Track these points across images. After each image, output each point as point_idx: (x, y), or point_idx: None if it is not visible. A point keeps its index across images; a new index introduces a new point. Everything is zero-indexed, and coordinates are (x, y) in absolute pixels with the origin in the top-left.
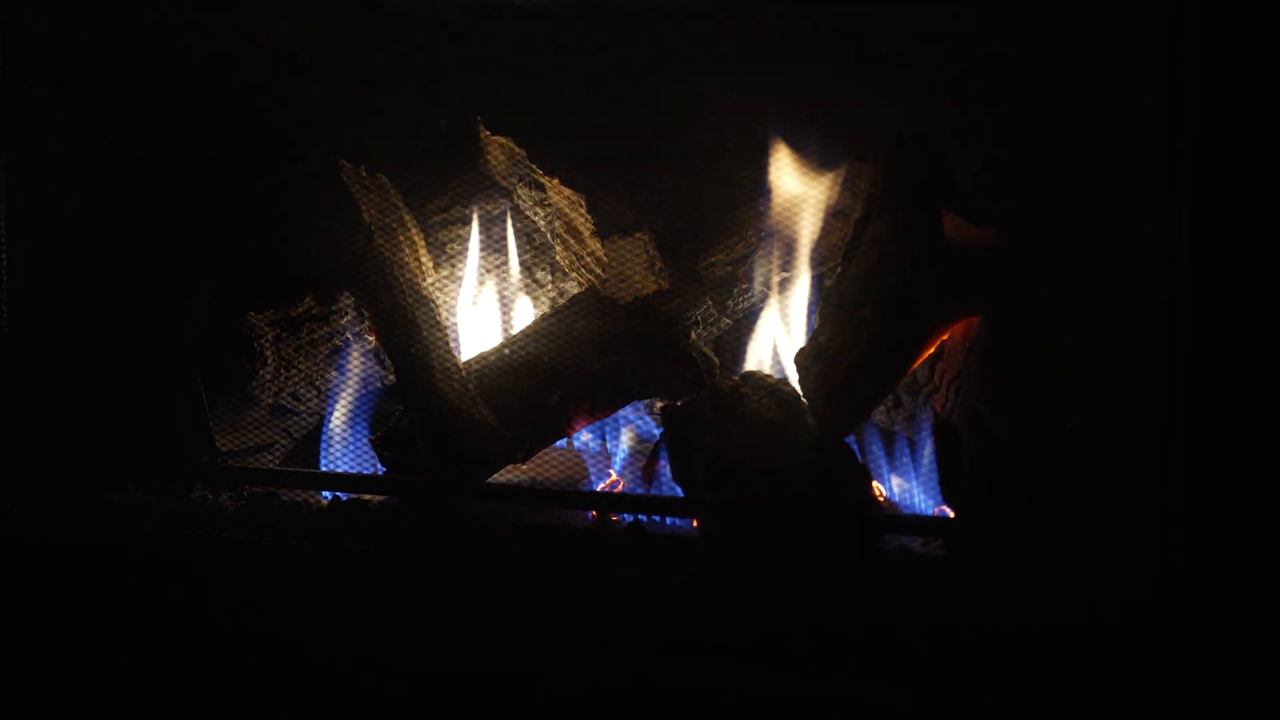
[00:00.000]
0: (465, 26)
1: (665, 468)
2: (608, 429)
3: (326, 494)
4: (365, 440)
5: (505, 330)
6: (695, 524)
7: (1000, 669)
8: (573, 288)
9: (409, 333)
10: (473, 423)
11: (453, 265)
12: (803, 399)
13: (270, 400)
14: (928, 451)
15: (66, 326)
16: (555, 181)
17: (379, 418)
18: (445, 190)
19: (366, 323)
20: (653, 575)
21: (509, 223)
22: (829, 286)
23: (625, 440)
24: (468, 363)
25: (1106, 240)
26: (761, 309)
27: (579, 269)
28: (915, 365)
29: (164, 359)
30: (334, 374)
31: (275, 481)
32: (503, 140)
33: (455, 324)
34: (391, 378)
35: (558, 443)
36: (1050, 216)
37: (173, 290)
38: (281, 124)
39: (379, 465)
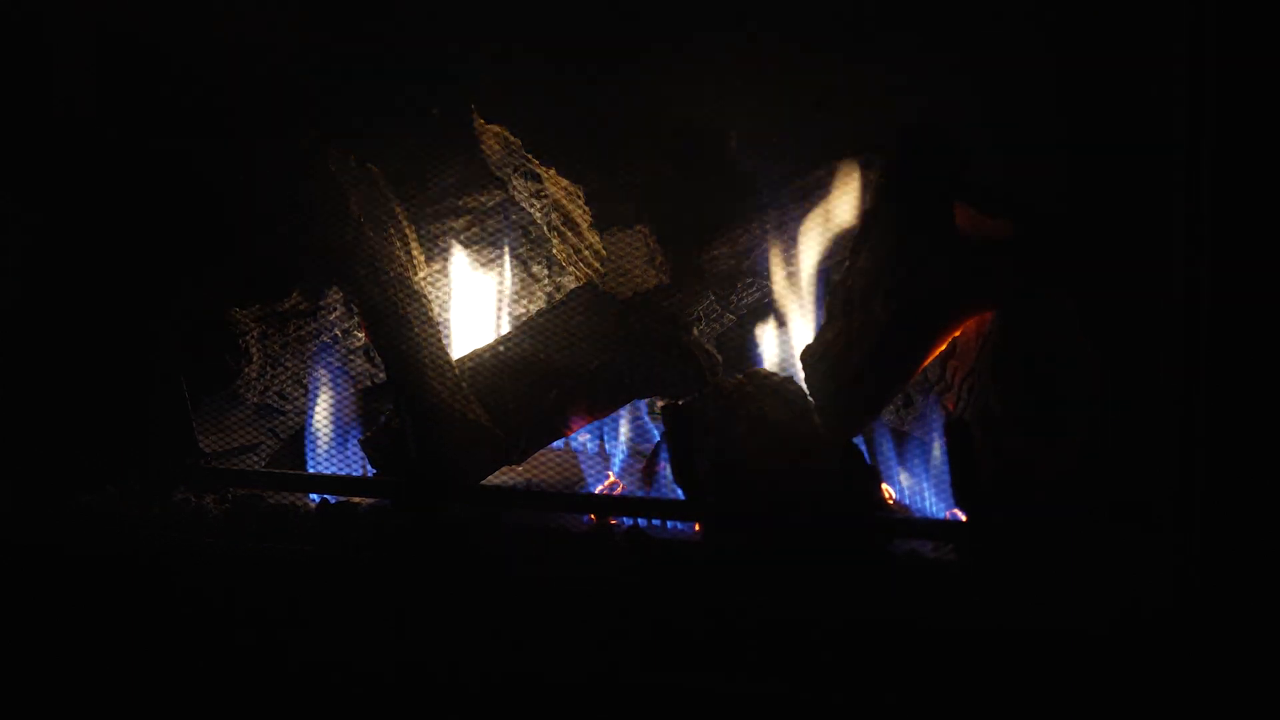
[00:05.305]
0: (460, 10)
1: (666, 469)
2: (606, 429)
3: (314, 496)
4: (354, 441)
5: (500, 326)
6: (697, 528)
7: (1013, 676)
8: (570, 282)
9: (400, 329)
10: (466, 422)
11: (445, 259)
12: (809, 398)
13: (256, 399)
14: (939, 452)
15: (44, 323)
16: (552, 172)
17: (369, 417)
18: (437, 181)
19: (356, 319)
20: (652, 581)
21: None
22: (836, 281)
23: (624, 441)
24: (461, 360)
25: (1126, 234)
26: (766, 304)
27: (576, 263)
28: (926, 362)
29: (145, 356)
30: (322, 372)
31: (261, 483)
32: (498, 129)
33: (448, 320)
34: (382, 376)
35: (554, 443)
36: (1068, 209)
37: (153, 285)
38: (267, 112)
39: (369, 467)
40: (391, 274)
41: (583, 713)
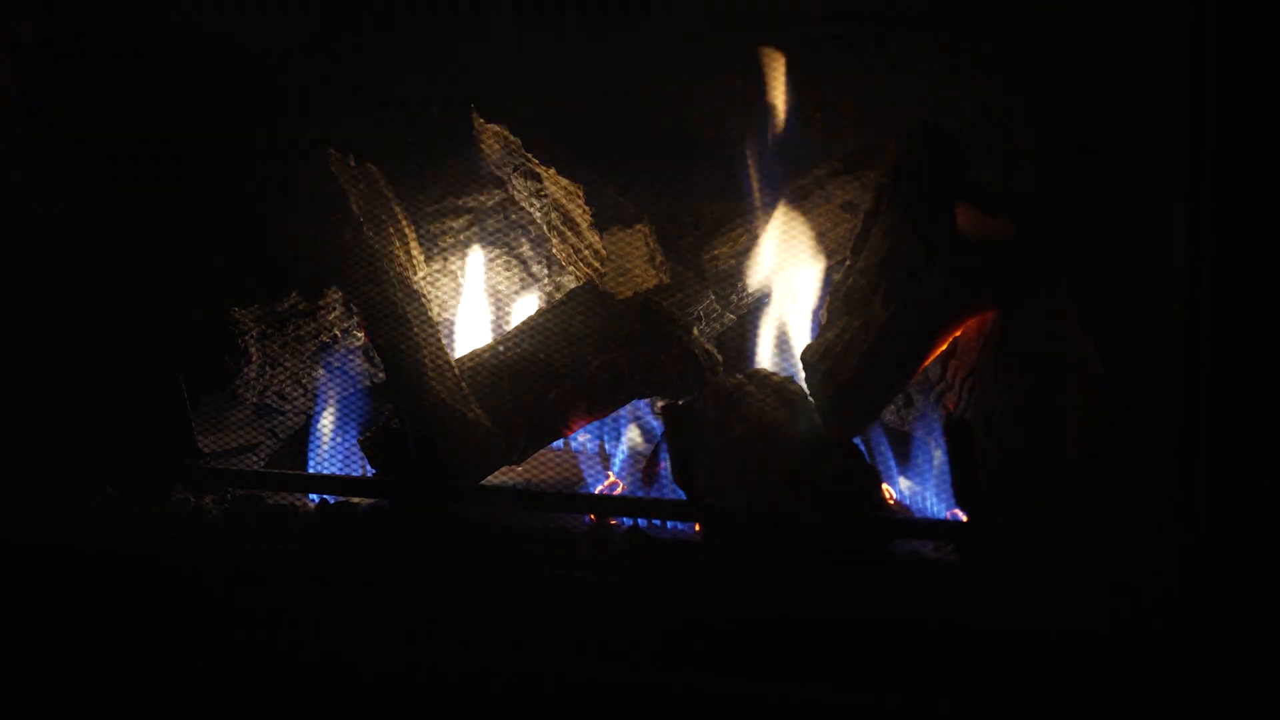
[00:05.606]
0: (458, 8)
1: (666, 469)
2: (606, 429)
3: (314, 497)
4: (354, 441)
5: (499, 326)
6: (697, 528)
7: (1014, 676)
8: (570, 282)
9: (399, 329)
10: (466, 423)
11: (445, 259)
12: (809, 398)
13: (255, 399)
14: (940, 452)
15: (41, 322)
16: (552, 171)
17: (368, 417)
18: (437, 181)
19: (355, 319)
20: (653, 582)
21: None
22: (837, 280)
23: (624, 441)
24: (460, 360)
25: (1127, 233)
26: (767, 304)
27: (576, 262)
28: (927, 362)
29: (144, 356)
30: (321, 372)
31: (260, 484)
32: (497, 128)
33: (447, 320)
34: (381, 376)
35: (554, 444)
36: (1069, 208)
37: (153, 285)
38: (266, 111)
39: (368, 467)
40: (391, 273)
41: (583, 713)
